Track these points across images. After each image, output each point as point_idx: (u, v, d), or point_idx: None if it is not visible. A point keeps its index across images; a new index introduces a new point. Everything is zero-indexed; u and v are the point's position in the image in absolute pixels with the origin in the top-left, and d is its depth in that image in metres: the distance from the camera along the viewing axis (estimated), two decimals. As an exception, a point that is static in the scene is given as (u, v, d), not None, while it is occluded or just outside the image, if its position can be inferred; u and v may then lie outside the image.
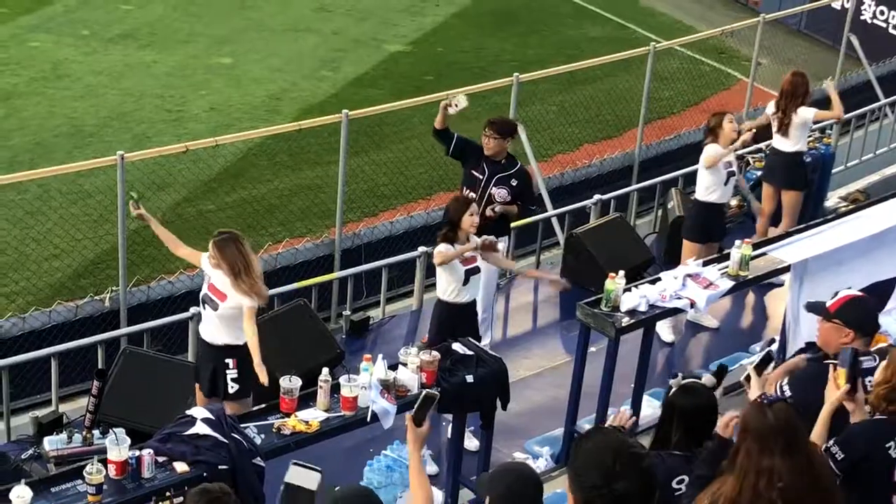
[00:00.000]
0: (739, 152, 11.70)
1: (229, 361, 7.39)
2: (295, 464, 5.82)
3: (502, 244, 9.08)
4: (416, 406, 4.94)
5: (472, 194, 8.98)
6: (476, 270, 8.08)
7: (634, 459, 3.71)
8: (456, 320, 7.97)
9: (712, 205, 9.68)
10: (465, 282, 7.99)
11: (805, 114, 10.42)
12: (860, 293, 5.85)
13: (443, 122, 9.12)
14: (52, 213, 12.06)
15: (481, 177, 9.13)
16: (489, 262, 8.40)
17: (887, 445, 4.95)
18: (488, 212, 8.89)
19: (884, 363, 5.16)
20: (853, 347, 5.32)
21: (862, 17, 19.17)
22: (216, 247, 7.24)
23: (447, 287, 8.00)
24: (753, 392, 5.44)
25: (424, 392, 5.12)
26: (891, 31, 19.41)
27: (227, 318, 7.32)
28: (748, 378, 5.53)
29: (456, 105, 9.02)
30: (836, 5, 18.43)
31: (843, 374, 5.13)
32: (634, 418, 5.34)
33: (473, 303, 8.17)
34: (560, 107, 16.17)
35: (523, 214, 9.89)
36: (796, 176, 10.72)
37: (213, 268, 7.34)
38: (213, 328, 7.39)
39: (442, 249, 7.88)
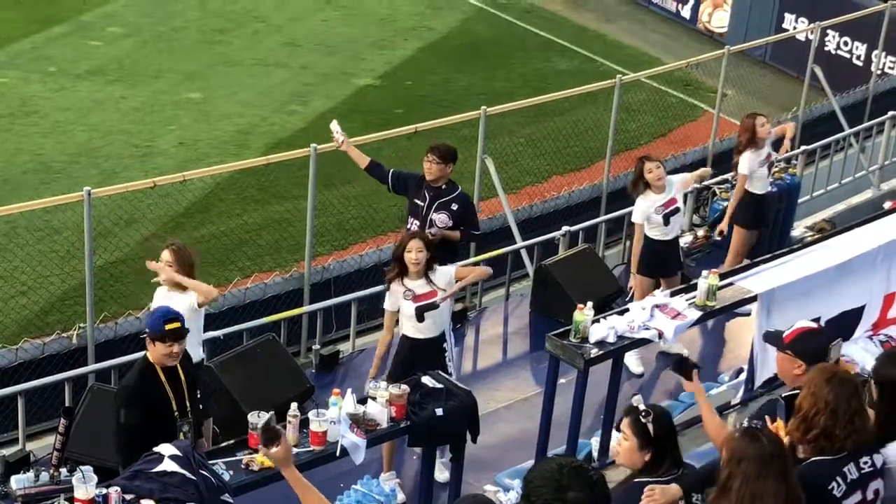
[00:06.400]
0: (706, 182, 11.79)
1: None
2: None
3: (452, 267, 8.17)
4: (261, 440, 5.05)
5: (417, 222, 9.03)
6: (431, 307, 7.77)
7: (582, 472, 3.84)
8: (416, 356, 7.82)
9: (659, 241, 9.60)
10: (420, 318, 7.78)
11: (742, 164, 10.46)
12: (815, 325, 5.84)
13: (361, 158, 9.31)
14: (18, 249, 11.99)
15: (422, 203, 9.19)
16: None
17: (829, 486, 4.81)
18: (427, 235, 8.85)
19: (803, 392, 4.97)
20: (786, 396, 5.31)
21: (826, 49, 19.35)
22: (179, 249, 7.71)
23: (403, 322, 7.94)
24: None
25: (261, 427, 5.24)
26: (854, 62, 19.62)
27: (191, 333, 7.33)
28: None
29: (337, 132, 9.32)
30: (801, 37, 18.61)
31: (783, 426, 5.12)
32: None
33: (437, 339, 7.93)
34: (528, 139, 16.24)
35: (468, 239, 9.91)
36: (747, 214, 10.71)
37: (169, 291, 7.53)
38: None
39: (386, 306, 7.92)
